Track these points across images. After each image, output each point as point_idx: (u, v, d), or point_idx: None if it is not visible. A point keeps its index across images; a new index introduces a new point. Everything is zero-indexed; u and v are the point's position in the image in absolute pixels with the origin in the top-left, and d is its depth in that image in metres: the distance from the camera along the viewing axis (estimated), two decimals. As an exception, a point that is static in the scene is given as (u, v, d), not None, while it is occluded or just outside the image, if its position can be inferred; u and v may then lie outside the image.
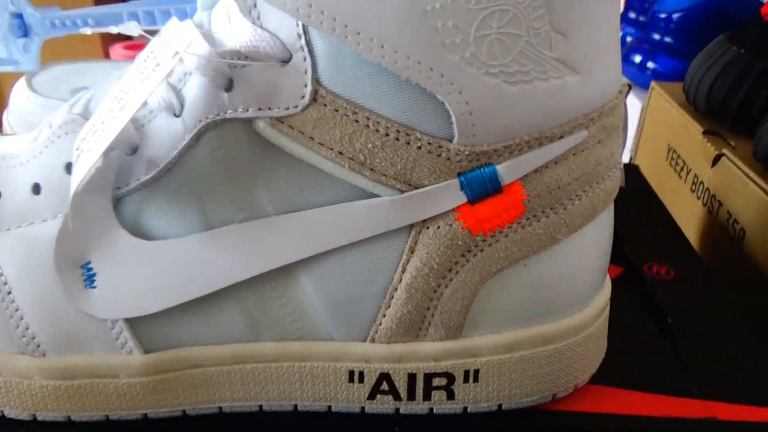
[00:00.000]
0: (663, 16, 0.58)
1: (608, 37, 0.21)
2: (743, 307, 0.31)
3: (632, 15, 0.70)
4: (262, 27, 0.19)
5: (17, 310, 0.22)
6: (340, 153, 0.20)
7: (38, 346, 0.22)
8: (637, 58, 0.61)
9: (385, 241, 0.21)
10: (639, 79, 0.61)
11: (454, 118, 0.19)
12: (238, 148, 0.20)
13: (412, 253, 0.21)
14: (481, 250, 0.21)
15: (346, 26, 0.18)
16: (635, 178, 0.44)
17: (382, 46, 0.18)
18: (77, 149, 0.20)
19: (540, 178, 0.21)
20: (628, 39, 0.68)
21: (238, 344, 0.23)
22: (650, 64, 0.60)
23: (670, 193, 0.48)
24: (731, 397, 0.25)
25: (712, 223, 0.41)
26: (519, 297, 0.22)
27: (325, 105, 0.19)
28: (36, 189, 0.22)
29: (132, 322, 0.22)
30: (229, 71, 0.20)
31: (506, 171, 0.20)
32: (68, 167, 0.22)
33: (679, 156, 0.47)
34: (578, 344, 0.24)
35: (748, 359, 0.27)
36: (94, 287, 0.21)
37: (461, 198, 0.20)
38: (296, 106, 0.19)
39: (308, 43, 0.19)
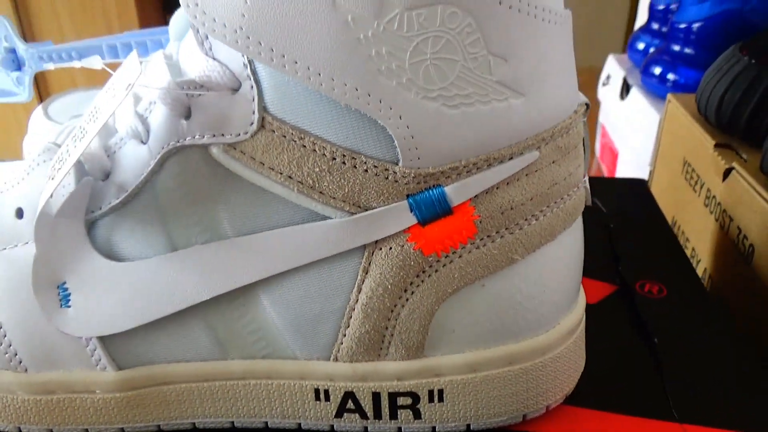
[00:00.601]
0: (683, 26, 0.57)
1: (557, 58, 0.21)
2: (735, 328, 0.30)
3: (655, 26, 0.69)
4: (213, 58, 0.20)
5: (1, 327, 0.23)
6: (290, 177, 0.20)
7: (20, 362, 0.23)
8: (657, 70, 0.59)
9: (340, 262, 0.21)
10: (659, 91, 0.60)
11: (396, 142, 0.20)
12: (197, 173, 0.21)
13: (366, 273, 0.21)
14: (436, 271, 0.21)
15: (284, 56, 0.19)
16: (641, 194, 0.43)
17: (320, 74, 0.19)
18: (48, 176, 0.22)
19: (491, 199, 0.21)
20: (651, 50, 0.67)
21: (206, 362, 0.23)
22: (670, 76, 0.58)
23: (686, 208, 0.46)
24: (710, 421, 0.24)
25: (724, 239, 0.40)
26: (478, 317, 0.22)
27: (273, 131, 0.20)
28: (19, 213, 0.23)
29: (105, 340, 0.23)
30: (187, 100, 0.21)
31: (455, 192, 0.20)
32: (45, 193, 0.23)
33: (693, 170, 0.46)
34: (547, 365, 0.24)
35: (732, 382, 0.26)
36: (69, 307, 0.23)
37: (411, 219, 0.21)
38: (246, 133, 0.20)
39: (253, 72, 0.20)
